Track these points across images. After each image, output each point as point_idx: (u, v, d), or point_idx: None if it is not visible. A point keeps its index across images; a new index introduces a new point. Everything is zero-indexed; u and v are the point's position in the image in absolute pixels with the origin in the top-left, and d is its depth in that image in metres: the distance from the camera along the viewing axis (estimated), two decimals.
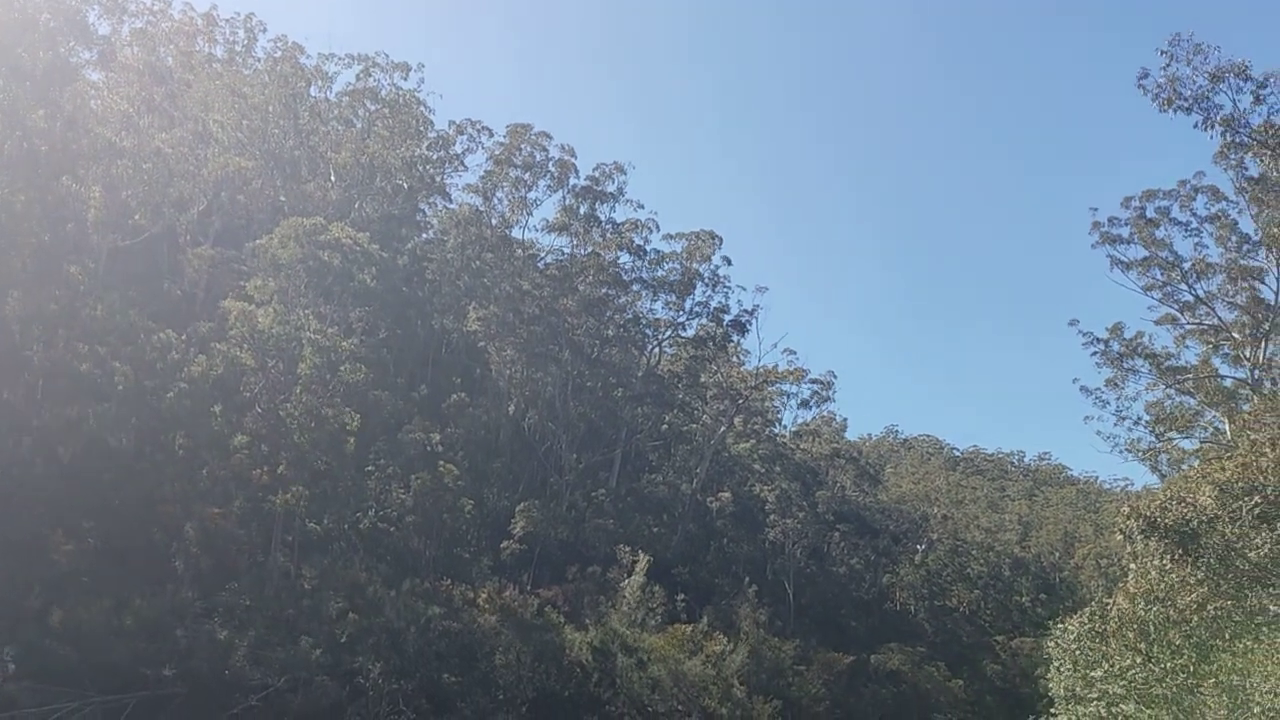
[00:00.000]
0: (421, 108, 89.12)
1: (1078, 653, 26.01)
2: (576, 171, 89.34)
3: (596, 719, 51.87)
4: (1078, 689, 25.76)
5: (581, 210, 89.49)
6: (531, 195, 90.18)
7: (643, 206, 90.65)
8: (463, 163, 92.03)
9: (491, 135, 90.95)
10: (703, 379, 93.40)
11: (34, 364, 47.88)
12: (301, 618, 46.71)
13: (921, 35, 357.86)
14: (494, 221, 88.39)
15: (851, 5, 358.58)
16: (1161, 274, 65.39)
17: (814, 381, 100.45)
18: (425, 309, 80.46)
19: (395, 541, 58.05)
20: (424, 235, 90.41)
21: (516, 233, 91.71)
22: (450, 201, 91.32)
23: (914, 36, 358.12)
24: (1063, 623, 27.82)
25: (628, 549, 67.02)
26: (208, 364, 50.34)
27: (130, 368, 49.06)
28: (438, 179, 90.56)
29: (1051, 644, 27.96)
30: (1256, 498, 22.75)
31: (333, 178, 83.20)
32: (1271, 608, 23.22)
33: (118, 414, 48.00)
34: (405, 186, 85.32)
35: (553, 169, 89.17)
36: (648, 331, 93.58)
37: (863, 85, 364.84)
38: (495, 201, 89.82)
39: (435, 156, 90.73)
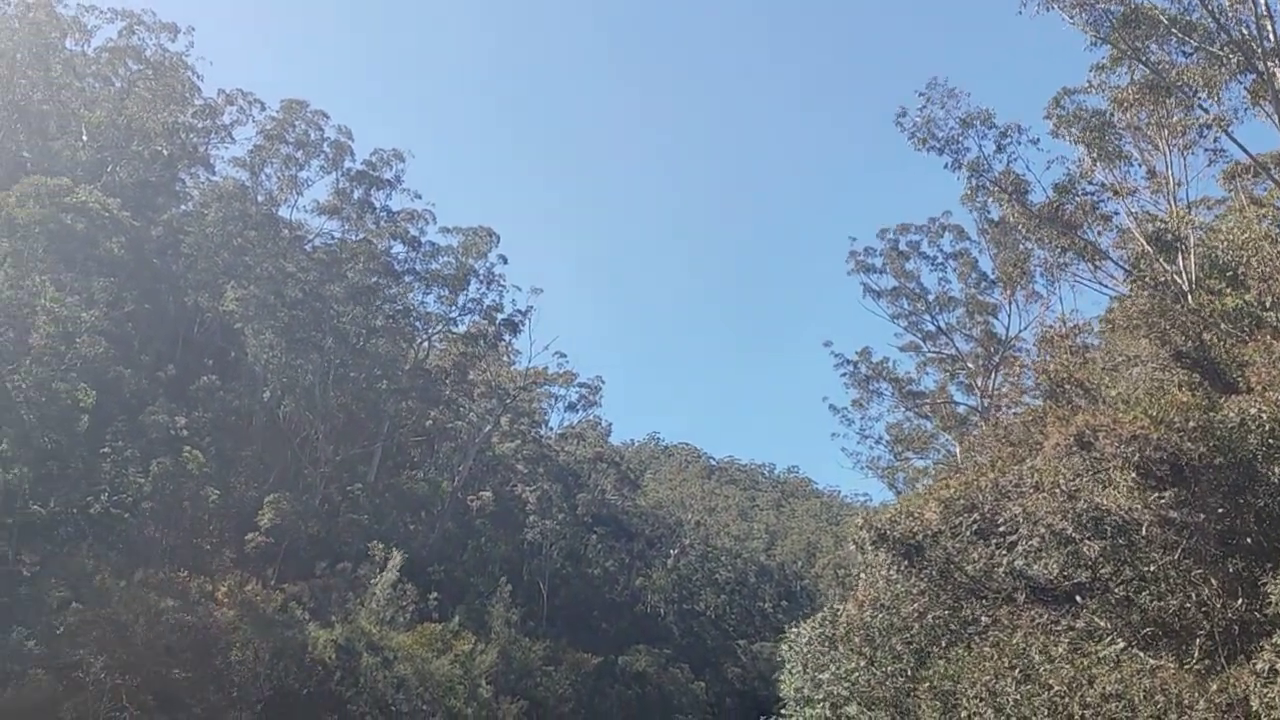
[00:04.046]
0: (189, 73, 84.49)
1: (809, 656, 27.34)
2: (353, 154, 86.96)
3: (337, 718, 50.47)
4: (807, 691, 27.07)
5: (355, 195, 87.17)
6: (303, 175, 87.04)
7: (420, 197, 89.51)
8: (230, 135, 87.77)
9: (264, 109, 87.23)
10: (471, 376, 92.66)
11: None
12: (17, 606, 43.31)
13: (707, 47, 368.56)
14: (260, 199, 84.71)
15: (636, 14, 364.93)
16: (908, 304, 69.73)
17: (582, 385, 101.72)
18: (179, 284, 76.14)
19: (129, 529, 54.58)
20: (182, 207, 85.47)
21: (284, 212, 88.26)
22: (214, 174, 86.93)
23: (701, 48, 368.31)
24: (797, 627, 29.19)
25: (381, 546, 65.62)
26: None
27: None
28: (201, 149, 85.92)
29: (786, 647, 29.29)
30: (975, 515, 24.53)
31: (85, 137, 77.57)
32: (983, 618, 25.06)
33: None
34: (165, 153, 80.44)
35: (327, 150, 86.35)
36: (418, 324, 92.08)
37: (646, 98, 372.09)
38: (263, 178, 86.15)
39: (200, 125, 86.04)
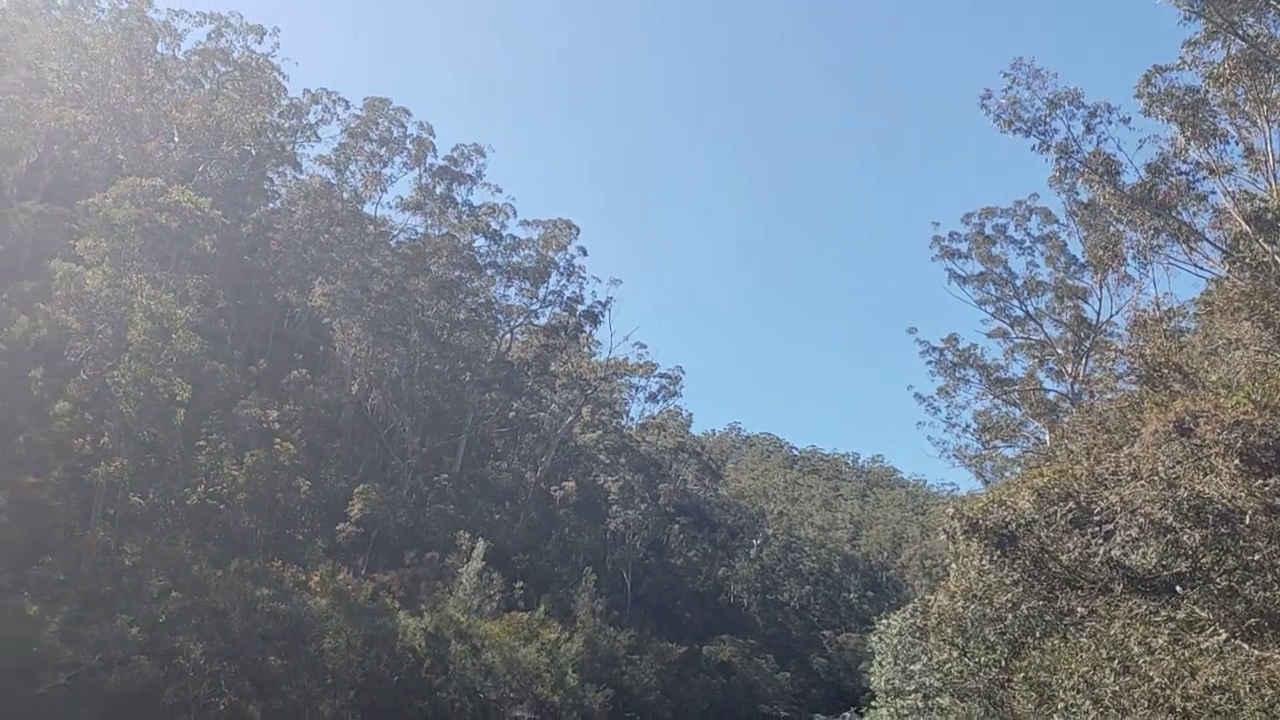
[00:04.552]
0: (275, 73, 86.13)
1: (899, 647, 26.99)
2: (434, 150, 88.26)
3: (427, 704, 51.25)
4: (898, 682, 26.73)
5: (438, 190, 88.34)
6: (387, 171, 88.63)
7: (501, 190, 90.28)
8: (315, 133, 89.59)
9: (348, 107, 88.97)
10: (553, 368, 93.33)
11: None
12: (120, 595, 44.64)
13: (784, 47, 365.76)
14: (346, 195, 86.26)
15: (715, 11, 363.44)
16: (995, 289, 68.41)
17: (663, 375, 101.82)
18: (268, 281, 77.90)
19: (225, 520, 56.05)
20: (271, 204, 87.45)
21: (369, 208, 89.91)
22: (300, 172, 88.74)
23: (777, 47, 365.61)
24: (887, 618, 28.84)
25: (468, 535, 66.44)
26: (30, 325, 47.53)
27: None
28: (288, 148, 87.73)
29: (875, 638, 28.96)
30: (1070, 504, 23.91)
31: (176, 138, 79.60)
32: (1079, 609, 24.47)
33: None
34: (253, 153, 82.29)
35: (410, 146, 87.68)
36: (500, 317, 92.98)
37: (724, 91, 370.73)
38: (348, 175, 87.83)
39: (287, 125, 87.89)
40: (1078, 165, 49.49)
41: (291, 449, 57.76)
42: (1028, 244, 68.04)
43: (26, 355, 47.22)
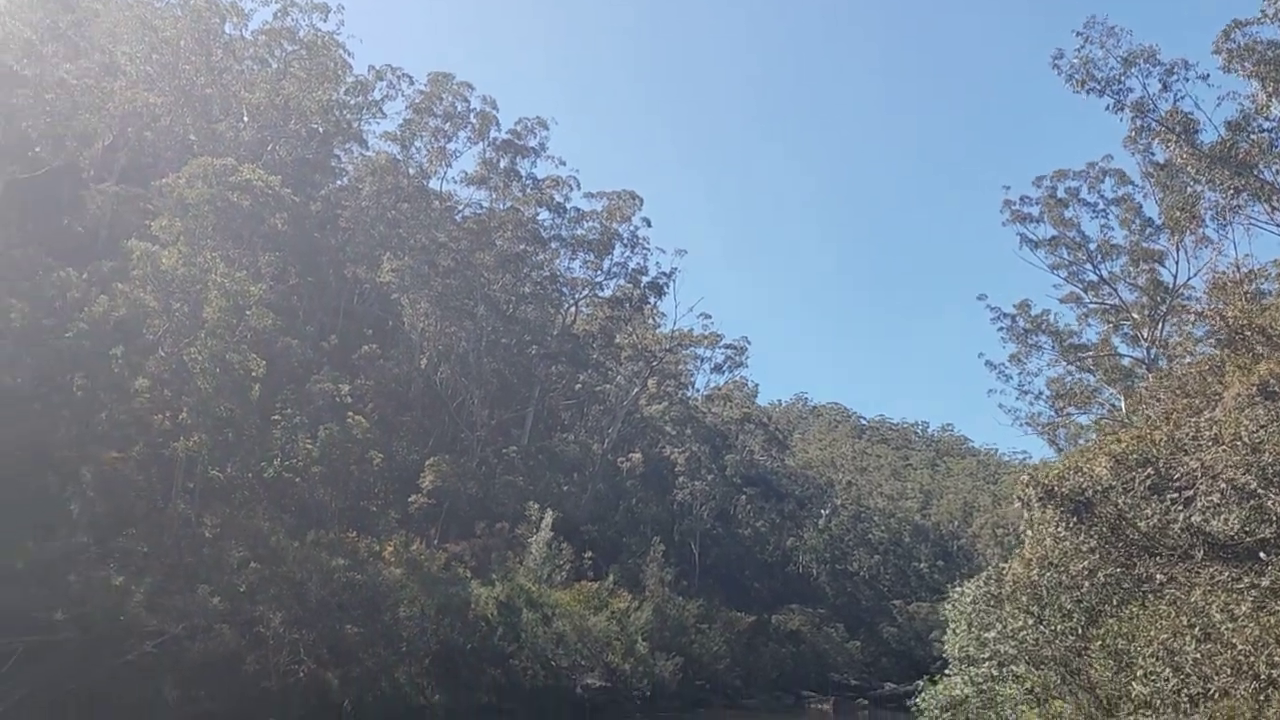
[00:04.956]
0: (340, 51, 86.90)
1: (973, 615, 26.77)
2: (498, 124, 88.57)
3: (500, 672, 51.98)
4: (971, 650, 26.53)
5: (501, 164, 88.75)
6: (451, 146, 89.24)
7: (564, 163, 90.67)
8: (381, 110, 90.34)
9: (412, 83, 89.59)
10: (618, 340, 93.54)
11: None
12: (201, 566, 45.72)
13: (854, 11, 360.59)
14: (411, 171, 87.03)
15: None
16: (1068, 253, 67.04)
17: (728, 346, 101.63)
18: (338, 257, 78.94)
19: (300, 492, 57.16)
20: (339, 182, 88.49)
21: (434, 184, 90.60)
22: (367, 149, 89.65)
23: (846, 13, 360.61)
24: (960, 586, 28.63)
25: (536, 506, 67.07)
26: (109, 304, 48.55)
27: (27, 305, 47.10)
28: (354, 125, 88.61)
29: (949, 607, 28.76)
30: (1149, 470, 23.46)
31: (245, 118, 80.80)
32: (1158, 576, 24.05)
33: (12, 352, 46.04)
34: (320, 131, 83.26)
35: (474, 120, 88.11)
36: (565, 290, 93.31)
37: (789, 57, 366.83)
38: (413, 151, 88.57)
39: (353, 102, 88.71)
40: (1154, 124, 48.33)
41: (364, 422, 58.58)
42: (1101, 207, 66.57)
43: (107, 334, 48.25)
